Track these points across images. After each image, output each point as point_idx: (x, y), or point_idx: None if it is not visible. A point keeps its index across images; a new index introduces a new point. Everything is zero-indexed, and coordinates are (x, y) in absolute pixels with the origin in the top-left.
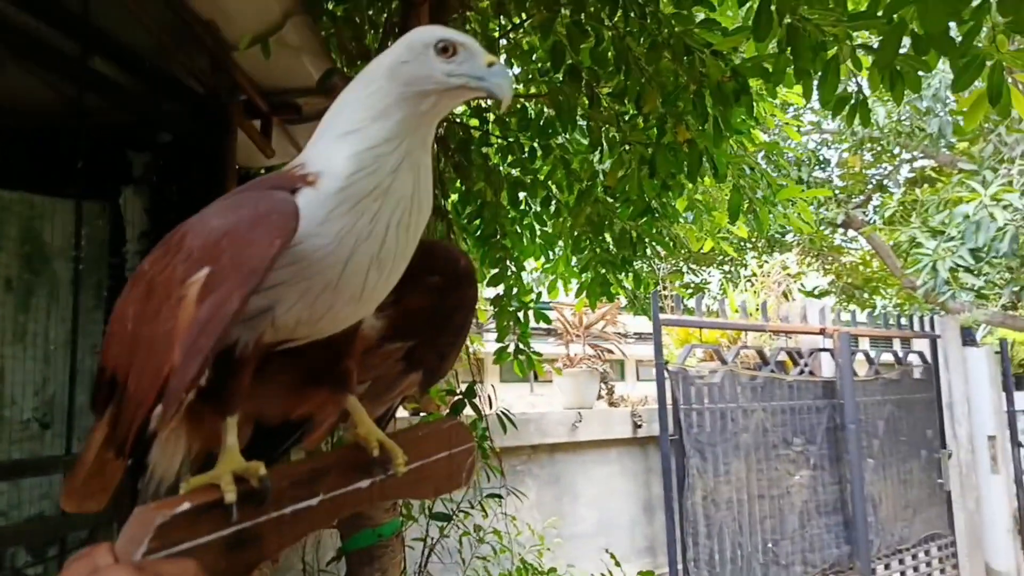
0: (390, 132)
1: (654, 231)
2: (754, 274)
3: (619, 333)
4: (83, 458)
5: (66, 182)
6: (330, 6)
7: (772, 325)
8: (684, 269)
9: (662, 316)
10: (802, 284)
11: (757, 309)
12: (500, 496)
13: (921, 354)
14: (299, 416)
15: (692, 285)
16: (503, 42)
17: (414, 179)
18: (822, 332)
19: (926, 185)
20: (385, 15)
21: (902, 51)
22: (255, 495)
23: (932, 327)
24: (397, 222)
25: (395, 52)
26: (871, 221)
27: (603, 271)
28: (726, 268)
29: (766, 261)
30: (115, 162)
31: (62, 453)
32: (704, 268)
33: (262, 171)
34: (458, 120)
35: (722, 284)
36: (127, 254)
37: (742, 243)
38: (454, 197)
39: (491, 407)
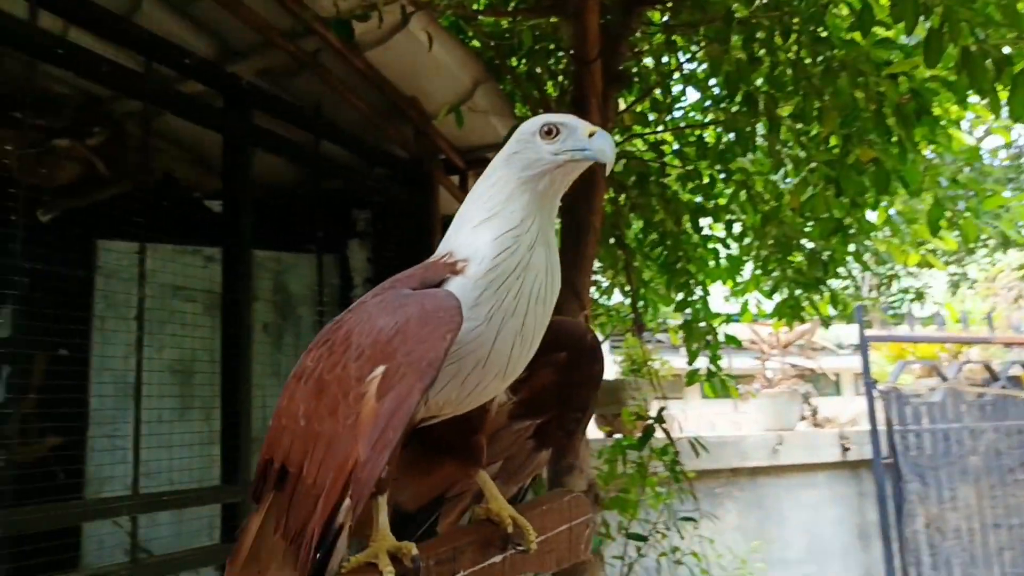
0: (523, 213)
1: (848, 248)
2: (979, 279)
3: (823, 348)
4: (241, 544)
5: (305, 240)
6: (512, 62)
7: (1000, 336)
8: (900, 273)
9: (869, 332)
10: None
11: (985, 319)
12: (694, 520)
13: None
14: (433, 495)
15: (911, 290)
16: (676, 75)
17: (547, 254)
18: None
19: None
20: (562, 66)
21: None
22: (407, 574)
23: None
24: (536, 296)
25: (507, 147)
26: None
27: (796, 292)
28: (952, 270)
29: (998, 260)
30: (343, 220)
31: None
32: (926, 269)
33: None
34: (634, 157)
35: (948, 288)
36: (355, 297)
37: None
38: (637, 226)
39: (681, 430)
